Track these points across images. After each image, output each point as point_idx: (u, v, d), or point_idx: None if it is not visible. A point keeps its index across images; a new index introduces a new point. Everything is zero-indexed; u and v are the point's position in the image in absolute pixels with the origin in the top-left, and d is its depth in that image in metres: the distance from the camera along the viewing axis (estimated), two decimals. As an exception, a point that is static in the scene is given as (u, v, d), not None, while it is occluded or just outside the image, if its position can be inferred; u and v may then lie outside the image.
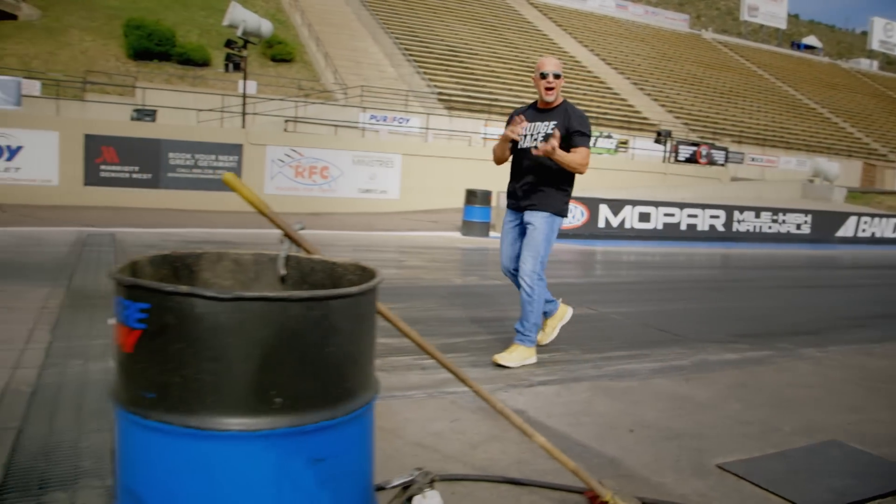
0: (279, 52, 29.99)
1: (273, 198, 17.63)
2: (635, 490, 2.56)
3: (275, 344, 1.30)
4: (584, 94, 33.65)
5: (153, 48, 28.33)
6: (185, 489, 1.34)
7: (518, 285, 4.33)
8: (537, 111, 4.33)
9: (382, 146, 19.15)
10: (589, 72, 37.51)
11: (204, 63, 28.86)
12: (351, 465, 1.48)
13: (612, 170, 23.38)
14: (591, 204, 14.68)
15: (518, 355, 4.30)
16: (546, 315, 4.69)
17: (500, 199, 13.97)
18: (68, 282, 6.37)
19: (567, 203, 4.34)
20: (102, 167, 17.57)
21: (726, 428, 3.36)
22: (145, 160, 17.67)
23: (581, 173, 4.16)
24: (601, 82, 36.61)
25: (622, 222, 15.09)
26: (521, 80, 32.24)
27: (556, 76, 4.17)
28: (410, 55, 31.59)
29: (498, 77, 32.14)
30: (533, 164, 4.20)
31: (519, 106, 4.68)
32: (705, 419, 3.47)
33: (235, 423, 1.31)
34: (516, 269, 4.38)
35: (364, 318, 1.46)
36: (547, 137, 4.09)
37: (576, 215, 14.34)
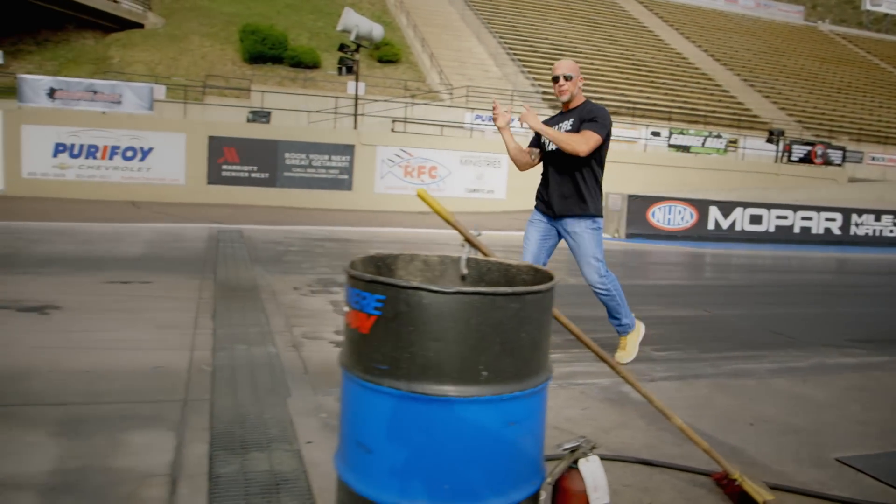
0: (386, 54, 30.81)
1: (383, 197, 18.32)
2: (757, 476, 2.79)
3: (484, 329, 1.65)
4: (692, 92, 33.00)
5: (266, 52, 29.67)
6: (408, 441, 1.71)
7: None
8: (561, 114, 4.45)
9: (489, 146, 19.52)
10: (696, 68, 36.71)
11: (314, 65, 30.01)
12: (532, 428, 1.81)
13: (722, 170, 22.96)
14: (701, 206, 14.57)
15: (630, 346, 4.57)
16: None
17: (608, 202, 14.08)
18: (213, 275, 7.02)
19: (601, 200, 4.39)
20: (224, 167, 18.69)
21: (845, 427, 3.51)
22: (263, 160, 18.66)
23: (579, 154, 4.12)
24: (709, 79, 35.76)
25: (732, 224, 14.89)
26: (627, 78, 31.96)
27: (567, 78, 4.25)
28: (514, 54, 31.83)
29: (603, 75, 31.94)
30: (560, 167, 4.32)
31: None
32: (824, 418, 3.63)
33: (451, 390, 1.66)
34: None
35: (547, 310, 1.80)
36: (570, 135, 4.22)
37: (685, 217, 14.27)
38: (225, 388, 3.57)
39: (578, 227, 4.33)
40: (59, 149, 18.49)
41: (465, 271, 2.13)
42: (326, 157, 18.47)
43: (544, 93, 28.51)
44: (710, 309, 6.88)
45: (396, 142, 18.87)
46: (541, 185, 4.51)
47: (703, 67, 37.20)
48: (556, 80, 4.29)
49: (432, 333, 1.64)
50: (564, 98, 4.30)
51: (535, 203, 4.56)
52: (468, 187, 18.78)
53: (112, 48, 30.35)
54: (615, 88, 30.68)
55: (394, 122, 23.41)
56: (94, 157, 18.73)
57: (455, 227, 2.15)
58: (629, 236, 13.55)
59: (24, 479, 2.51)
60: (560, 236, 4.48)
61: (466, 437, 1.69)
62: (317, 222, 14.19)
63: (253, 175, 18.68)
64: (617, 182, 18.96)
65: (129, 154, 18.82)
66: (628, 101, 29.24)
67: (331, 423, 3.14)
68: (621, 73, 32.71)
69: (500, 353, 1.68)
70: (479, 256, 2.18)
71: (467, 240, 2.15)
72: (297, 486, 2.52)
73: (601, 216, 4.38)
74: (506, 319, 1.67)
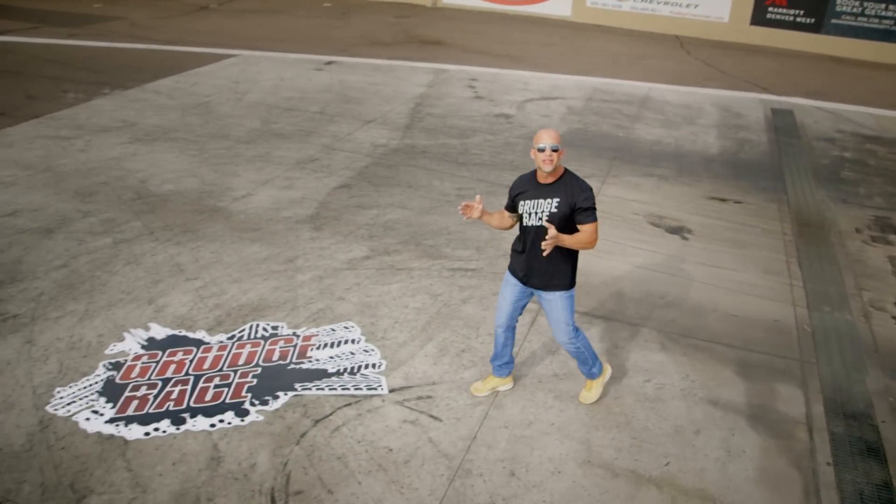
0: None
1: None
2: None
3: None
4: None
5: None
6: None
7: (504, 339, 4.82)
8: (538, 186, 4.35)
9: None
10: None
11: None
12: None
13: None
14: None
15: (596, 388, 4.95)
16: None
17: None
18: (786, 196, 8.76)
19: (576, 270, 4.51)
20: (770, 9, 19.23)
21: None
22: (811, 4, 18.66)
23: (591, 249, 4.33)
24: None
25: None
26: None
27: (554, 150, 4.17)
28: None
29: None
30: (538, 242, 4.30)
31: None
32: None
33: None
34: (511, 327, 4.79)
35: None
36: (552, 217, 4.26)
37: None
38: (823, 354, 5.61)
39: (553, 297, 4.50)
40: (619, -20, 20.90)
41: None
42: (883, 5, 17.71)
43: None
44: None
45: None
46: (517, 250, 4.58)
47: None
48: (541, 150, 4.20)
49: None
50: (548, 168, 4.22)
51: (509, 265, 4.68)
52: None
53: None
54: None
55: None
56: (647, -10, 20.80)
57: None
58: None
59: (735, 408, 4.97)
60: (532, 294, 4.66)
61: None
62: (857, 97, 14.43)
63: (798, 19, 18.92)
64: None
65: (679, -11, 20.43)
66: None
67: (899, 409, 5.05)
68: None
69: None
70: None
71: None
72: (878, 456, 4.55)
73: (574, 285, 4.55)
74: None
